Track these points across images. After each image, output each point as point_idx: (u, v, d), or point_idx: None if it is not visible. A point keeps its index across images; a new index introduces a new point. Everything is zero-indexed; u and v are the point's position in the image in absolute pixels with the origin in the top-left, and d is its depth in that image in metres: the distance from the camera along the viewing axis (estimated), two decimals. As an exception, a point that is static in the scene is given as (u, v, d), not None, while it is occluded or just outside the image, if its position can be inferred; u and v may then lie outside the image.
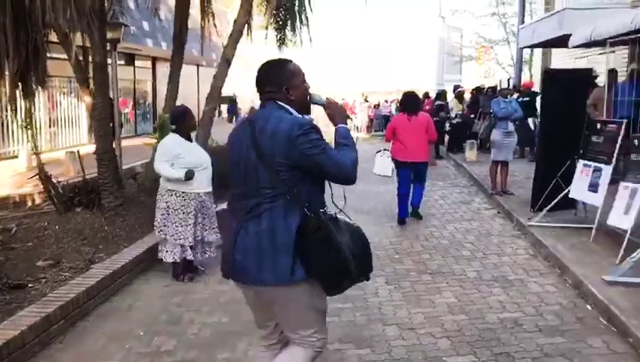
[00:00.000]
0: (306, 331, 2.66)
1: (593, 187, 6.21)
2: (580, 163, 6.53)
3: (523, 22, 20.46)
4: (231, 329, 4.42)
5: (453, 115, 14.98)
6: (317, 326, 2.69)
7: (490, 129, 8.84)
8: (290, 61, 2.75)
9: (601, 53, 13.83)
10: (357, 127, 29.97)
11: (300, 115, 2.65)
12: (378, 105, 29.51)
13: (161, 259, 5.51)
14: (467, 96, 16.90)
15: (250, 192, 2.57)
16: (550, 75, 7.14)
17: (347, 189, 2.75)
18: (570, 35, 12.33)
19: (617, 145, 5.99)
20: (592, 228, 6.26)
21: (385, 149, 8.01)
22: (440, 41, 39.40)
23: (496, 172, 8.97)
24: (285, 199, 2.51)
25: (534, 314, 4.53)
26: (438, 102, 15.11)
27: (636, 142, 5.72)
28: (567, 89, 6.97)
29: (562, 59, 16.30)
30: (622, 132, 6.01)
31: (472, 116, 14.87)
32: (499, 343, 4.05)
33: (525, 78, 20.08)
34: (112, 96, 9.08)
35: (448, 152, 15.12)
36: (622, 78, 10.91)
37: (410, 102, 7.71)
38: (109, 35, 8.60)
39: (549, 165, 7.09)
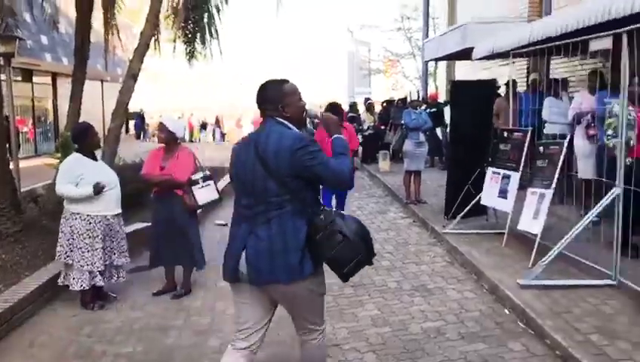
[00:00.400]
0: (318, 319, 3.01)
1: (503, 193, 6.43)
2: (490, 170, 6.75)
3: (427, 36, 21.25)
4: (147, 358, 4.15)
5: (365, 126, 15.20)
6: (322, 313, 3.06)
7: (402, 140, 9.00)
8: (286, 81, 2.97)
9: (501, 65, 14.57)
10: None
11: (298, 129, 2.92)
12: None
13: (68, 287, 5.12)
14: (378, 108, 17.24)
15: (258, 202, 2.81)
16: (457, 86, 7.38)
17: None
18: (473, 47, 12.86)
19: (524, 153, 6.24)
20: (503, 233, 6.48)
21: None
22: (349, 54, 40.14)
23: (410, 181, 9.14)
24: (292, 205, 2.77)
25: (456, 322, 4.57)
26: (350, 114, 15.29)
27: (541, 149, 5.97)
28: (473, 99, 7.21)
29: (466, 71, 17.00)
30: (528, 140, 6.26)
31: (384, 127, 15.18)
32: (424, 354, 4.04)
33: (431, 89, 20.78)
34: (7, 113, 8.47)
35: (362, 163, 15.31)
36: (521, 88, 11.49)
37: (333, 113, 7.78)
38: (2, 48, 8.04)
39: (460, 173, 7.28)
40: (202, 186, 5.42)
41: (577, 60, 10.44)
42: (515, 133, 6.57)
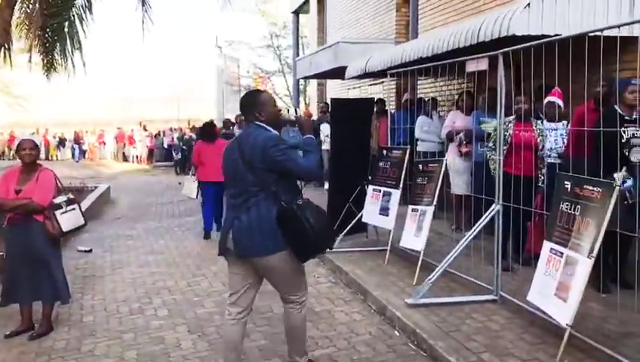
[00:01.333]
0: (299, 292, 3.62)
1: (384, 211, 6.44)
2: (370, 188, 6.75)
3: (298, 54, 21.48)
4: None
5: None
6: (304, 287, 3.68)
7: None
8: (263, 92, 3.74)
9: (371, 84, 14.99)
10: (137, 157, 28.45)
11: (274, 131, 3.52)
12: (158, 134, 28.36)
13: None
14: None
15: (241, 191, 3.43)
16: (337, 104, 7.33)
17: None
18: (345, 66, 13.13)
19: (404, 170, 6.30)
20: (385, 250, 6.49)
21: (192, 174, 9.20)
22: (218, 70, 39.63)
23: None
24: (266, 194, 3.36)
25: (347, 347, 4.40)
26: (223, 131, 14.88)
27: (421, 166, 6.06)
28: (353, 117, 7.19)
29: (336, 90, 17.32)
30: (407, 157, 6.33)
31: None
32: (318, 385, 3.82)
33: (301, 107, 20.98)
34: None
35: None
36: (390, 107, 11.81)
37: (207, 131, 9.05)
38: None
39: (341, 191, 7.23)
40: (66, 211, 4.85)
41: (443, 81, 11.00)
42: (394, 151, 6.63)
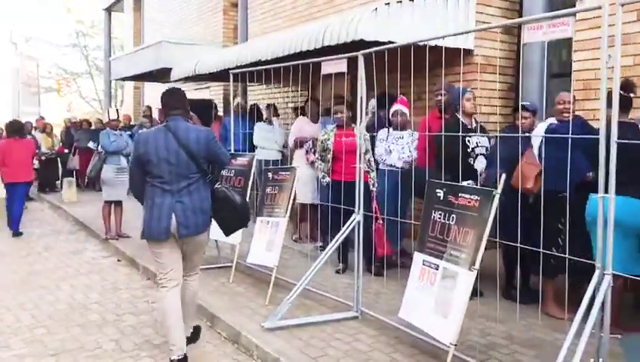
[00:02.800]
0: (200, 265, 4.23)
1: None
2: (211, 199, 6.13)
3: (110, 54, 19.83)
4: None
5: (43, 150, 13.10)
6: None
7: (100, 165, 7.74)
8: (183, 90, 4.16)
9: (196, 89, 14.22)
10: None
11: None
12: None
13: None
14: (58, 130, 15.19)
15: (181, 178, 3.78)
16: None
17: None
18: (168, 68, 12.23)
19: (251, 179, 5.78)
20: (227, 266, 5.94)
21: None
22: (13, 69, 35.51)
23: (110, 213, 7.93)
24: (203, 179, 3.88)
25: (201, 387, 3.76)
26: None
27: (270, 175, 5.59)
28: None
29: (157, 93, 16.19)
30: (254, 165, 5.83)
31: (67, 151, 13.37)
32: None
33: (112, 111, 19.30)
34: None
35: (39, 193, 13.18)
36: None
37: (15, 128, 8.93)
38: None
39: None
40: None
41: (277, 88, 10.72)
42: (239, 158, 6.08)
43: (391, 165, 5.81)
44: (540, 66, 6.07)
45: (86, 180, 11.38)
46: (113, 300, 5.57)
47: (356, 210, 4.63)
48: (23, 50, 34.93)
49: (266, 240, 5.32)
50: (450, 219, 3.59)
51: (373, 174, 5.89)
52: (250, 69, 6.31)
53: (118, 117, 7.95)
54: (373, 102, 6.59)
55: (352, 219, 4.61)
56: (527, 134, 4.62)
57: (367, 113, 5.75)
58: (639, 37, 4.99)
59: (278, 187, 5.40)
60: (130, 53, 14.32)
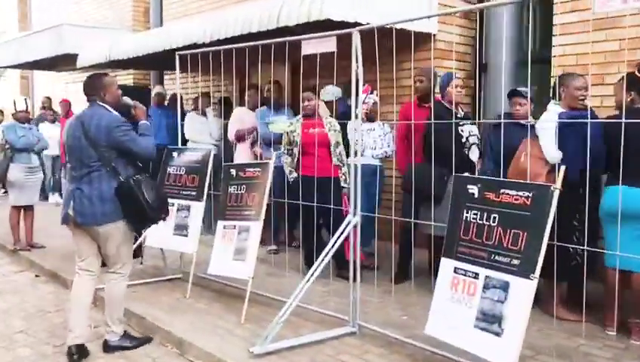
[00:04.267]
0: (125, 263, 3.94)
1: (181, 229, 5.05)
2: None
3: (-10, 39, 17.68)
4: None
5: None
6: (129, 261, 3.99)
7: (6, 165, 6.55)
8: (107, 75, 4.01)
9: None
10: None
11: (115, 113, 3.83)
12: None
13: None
14: None
15: (83, 165, 3.70)
16: None
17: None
18: (70, 54, 10.92)
19: (208, 176, 5.01)
20: (174, 279, 5.21)
21: None
22: None
23: (18, 220, 6.77)
24: (106, 169, 3.69)
25: None
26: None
27: (233, 171, 4.84)
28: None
29: (51, 83, 14.59)
30: (210, 160, 5.06)
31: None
32: None
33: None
34: None
35: None
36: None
37: None
38: None
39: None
40: None
41: (193, 76, 9.83)
42: (190, 154, 5.27)
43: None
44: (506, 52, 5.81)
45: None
46: (43, 327, 4.60)
47: (351, 210, 4.03)
48: None
49: (233, 247, 4.59)
50: (491, 219, 3.10)
51: (344, 169, 5.34)
52: (194, 50, 5.48)
53: (27, 107, 6.76)
54: (336, 89, 6.02)
55: (347, 221, 4.01)
56: (523, 121, 4.26)
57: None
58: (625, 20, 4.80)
59: (246, 186, 4.67)
60: (20, 37, 12.66)
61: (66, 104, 10.48)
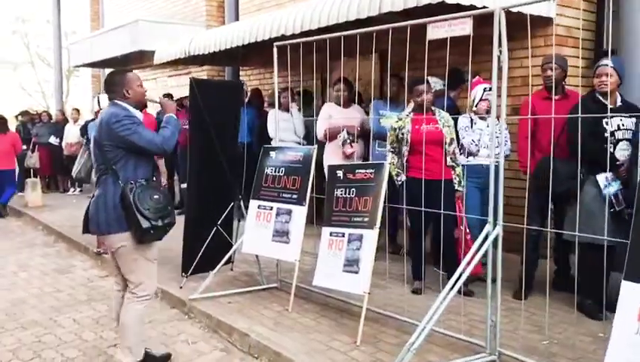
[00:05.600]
0: (136, 279, 3.45)
1: (281, 235, 4.62)
2: (254, 204, 4.86)
3: (61, 39, 17.91)
4: None
5: None
6: (145, 281, 3.48)
7: (91, 164, 6.30)
8: (130, 71, 3.68)
9: (171, 75, 12.72)
10: None
11: (140, 110, 3.53)
12: None
13: None
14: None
15: (97, 169, 3.46)
16: (200, 86, 5.10)
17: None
18: (144, 51, 10.77)
19: (310, 180, 4.55)
20: (270, 289, 4.84)
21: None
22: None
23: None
24: (112, 172, 3.34)
25: None
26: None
27: (340, 173, 4.36)
28: (220, 106, 5.15)
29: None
30: (313, 160, 4.60)
31: (25, 148, 11.68)
32: None
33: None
34: None
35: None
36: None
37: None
38: None
39: (204, 209, 5.17)
40: None
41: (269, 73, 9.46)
42: (286, 152, 4.83)
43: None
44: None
45: (70, 181, 10.14)
46: (139, 341, 4.25)
47: (490, 219, 3.48)
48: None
49: (343, 258, 4.12)
50: None
51: (458, 170, 4.80)
52: (293, 41, 5.02)
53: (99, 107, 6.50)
54: (437, 81, 5.47)
55: (484, 232, 3.47)
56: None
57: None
58: None
59: (356, 189, 4.19)
60: (95, 36, 12.64)
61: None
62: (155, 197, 3.35)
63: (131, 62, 12.31)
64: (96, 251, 6.53)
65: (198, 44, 8.01)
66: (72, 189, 11.90)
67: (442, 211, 4.08)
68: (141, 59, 11.65)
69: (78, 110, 12.26)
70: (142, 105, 3.65)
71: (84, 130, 10.73)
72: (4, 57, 32.08)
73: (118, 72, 3.60)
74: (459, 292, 3.46)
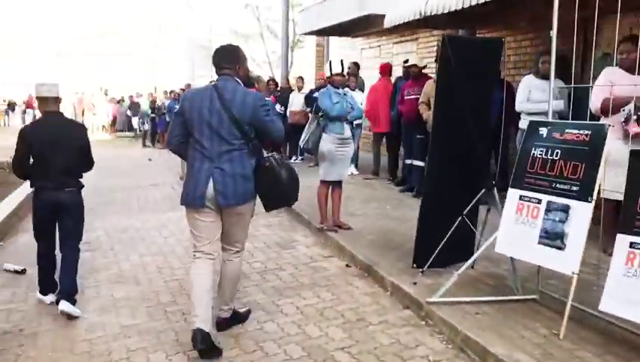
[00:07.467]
0: (244, 239, 3.80)
1: (552, 237, 3.56)
2: (514, 194, 3.86)
3: (288, 10, 18.25)
4: None
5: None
6: (245, 237, 3.84)
7: (319, 134, 5.84)
8: (240, 47, 3.71)
9: (396, 42, 12.02)
10: (104, 127, 24.93)
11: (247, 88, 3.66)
12: (121, 100, 24.80)
13: None
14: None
15: (222, 142, 3.46)
16: (453, 46, 4.21)
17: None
18: (370, 15, 10.20)
19: (599, 169, 3.42)
20: (527, 301, 3.81)
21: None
22: (189, 33, 36.23)
23: (327, 197, 6.06)
24: (247, 147, 3.51)
25: None
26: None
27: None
28: (474, 71, 4.22)
29: (344, 51, 14.29)
30: (606, 142, 3.45)
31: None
32: None
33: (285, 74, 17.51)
34: None
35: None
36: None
37: None
38: None
39: (446, 193, 4.33)
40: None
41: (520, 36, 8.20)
42: (566, 129, 3.72)
43: None
44: None
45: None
46: (368, 347, 3.59)
47: None
48: (198, 13, 35.20)
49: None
50: None
51: None
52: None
53: (343, 70, 5.91)
54: None
55: None
56: None
57: None
58: None
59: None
60: (321, 2, 12.40)
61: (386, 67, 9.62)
62: (290, 171, 3.68)
63: (356, 28, 11.88)
64: (320, 227, 6.09)
65: (437, 3, 7.10)
66: (293, 157, 11.91)
67: None
68: (366, 25, 11.12)
69: (302, 78, 12.16)
70: (246, 84, 3.71)
71: (308, 100, 10.54)
72: (238, 30, 34.52)
73: (234, 48, 3.68)
74: None
